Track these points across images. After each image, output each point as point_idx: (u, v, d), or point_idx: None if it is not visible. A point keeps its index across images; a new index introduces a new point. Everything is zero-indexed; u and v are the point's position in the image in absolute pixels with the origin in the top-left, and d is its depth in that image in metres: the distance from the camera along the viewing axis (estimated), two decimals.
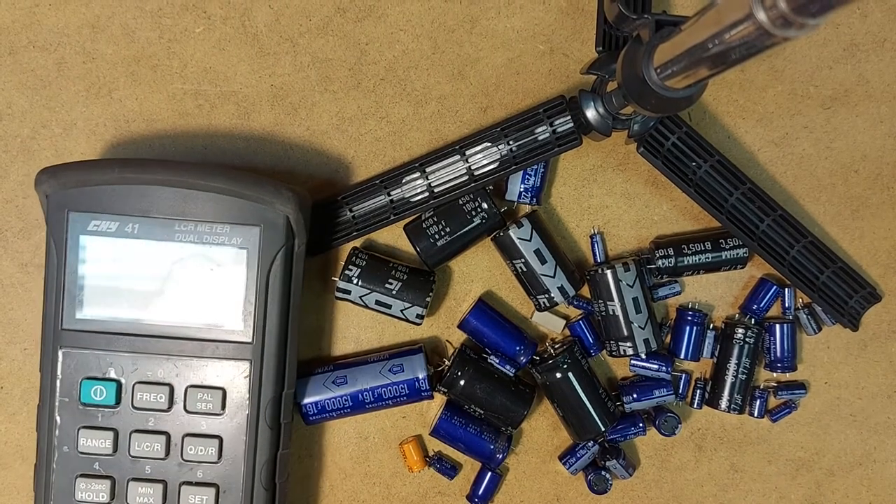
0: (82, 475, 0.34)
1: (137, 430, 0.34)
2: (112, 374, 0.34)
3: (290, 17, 0.39)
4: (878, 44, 0.40)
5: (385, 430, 0.40)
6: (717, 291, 0.41)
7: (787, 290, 0.40)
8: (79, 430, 0.34)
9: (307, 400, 0.38)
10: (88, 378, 0.34)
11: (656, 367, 0.39)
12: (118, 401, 0.34)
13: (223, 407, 0.34)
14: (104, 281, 0.34)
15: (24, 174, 0.39)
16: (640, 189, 0.40)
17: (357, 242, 0.40)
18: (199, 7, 0.39)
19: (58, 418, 0.34)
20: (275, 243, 0.34)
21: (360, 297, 0.38)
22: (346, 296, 0.38)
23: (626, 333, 0.38)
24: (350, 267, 0.37)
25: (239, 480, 0.34)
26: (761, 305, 0.40)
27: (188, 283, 0.34)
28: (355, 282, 0.37)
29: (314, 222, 0.38)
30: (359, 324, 0.40)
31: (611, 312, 0.38)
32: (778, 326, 0.40)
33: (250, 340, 0.34)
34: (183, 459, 0.34)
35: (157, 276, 0.34)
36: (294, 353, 0.35)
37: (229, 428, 0.34)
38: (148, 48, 0.39)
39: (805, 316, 0.40)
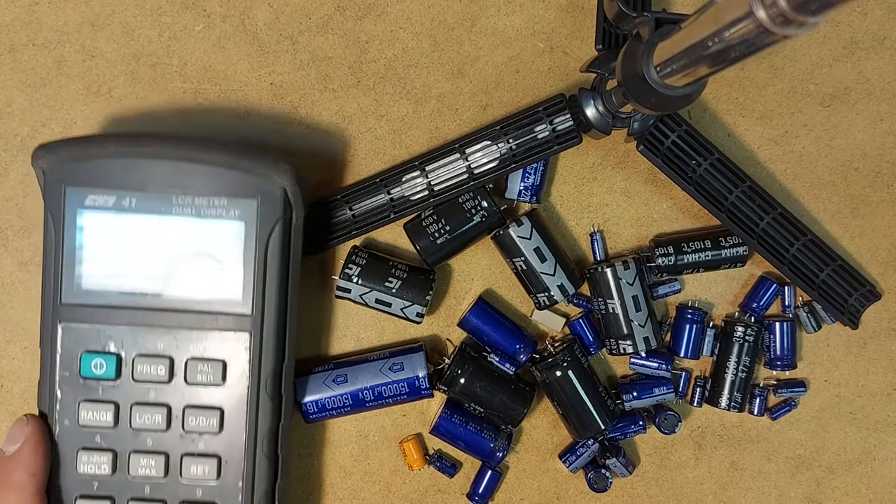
0: (84, 448, 0.34)
1: (138, 403, 0.34)
2: (112, 348, 0.34)
3: (289, 16, 0.39)
4: (878, 42, 0.40)
5: (385, 428, 0.40)
6: (716, 289, 0.41)
7: (786, 288, 0.40)
8: (79, 403, 0.34)
9: (307, 398, 0.38)
10: (88, 352, 0.33)
11: (656, 365, 0.39)
12: (118, 374, 0.34)
13: (224, 378, 0.34)
14: (102, 255, 0.33)
15: (23, 173, 0.39)
16: (639, 187, 0.40)
17: (357, 241, 0.40)
18: (199, 5, 0.39)
19: (58, 392, 0.34)
20: (272, 216, 0.33)
21: (360, 296, 0.38)
22: (346, 294, 0.38)
23: (625, 332, 0.38)
24: (350, 265, 0.37)
25: (241, 451, 0.34)
26: (761, 303, 0.40)
27: (186, 256, 0.34)
28: (355, 280, 0.37)
29: (314, 221, 0.38)
30: (359, 322, 0.40)
31: (611, 311, 0.38)
32: (777, 324, 0.40)
33: (250, 312, 0.34)
34: (184, 431, 0.34)
35: (155, 249, 0.34)
36: (294, 325, 0.35)
37: (230, 399, 0.34)
38: (147, 46, 0.39)
39: (805, 314, 0.40)
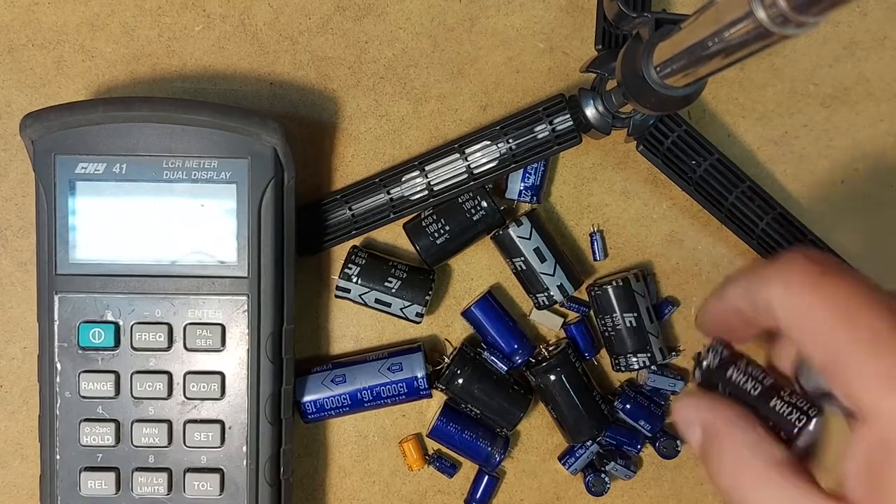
0: (86, 419, 0.34)
1: (138, 371, 0.34)
2: (109, 317, 0.34)
3: (289, 16, 0.39)
4: (878, 42, 0.40)
5: (384, 428, 0.40)
6: None
7: None
8: (80, 374, 0.34)
9: (306, 398, 0.38)
10: (86, 322, 0.33)
11: (671, 382, 0.39)
12: (117, 343, 0.34)
13: (223, 343, 0.34)
14: (95, 224, 0.33)
15: (23, 172, 0.39)
16: (639, 187, 0.40)
17: (357, 241, 0.40)
18: (199, 5, 0.39)
19: (58, 364, 0.34)
20: (264, 176, 0.33)
21: (360, 296, 0.38)
22: (345, 294, 0.38)
23: (643, 344, 0.37)
24: (349, 265, 0.37)
25: (244, 416, 0.34)
26: None
27: (180, 220, 0.34)
28: (355, 280, 0.37)
29: (313, 221, 0.38)
30: (358, 322, 0.40)
31: (628, 324, 0.37)
32: None
33: (246, 275, 0.34)
34: (186, 398, 0.34)
35: (148, 215, 0.34)
36: (291, 288, 0.35)
37: (231, 364, 0.34)
38: (147, 46, 0.39)
39: None
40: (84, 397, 0.34)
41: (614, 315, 0.38)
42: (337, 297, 0.38)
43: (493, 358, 0.38)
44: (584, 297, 0.40)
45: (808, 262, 0.22)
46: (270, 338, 0.34)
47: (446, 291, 0.40)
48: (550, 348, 0.40)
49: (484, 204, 0.38)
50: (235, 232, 0.34)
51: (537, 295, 0.38)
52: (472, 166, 0.37)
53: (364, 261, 0.38)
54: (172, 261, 0.34)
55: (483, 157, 0.37)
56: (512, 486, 0.41)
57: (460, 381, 0.38)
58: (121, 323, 0.34)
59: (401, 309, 0.38)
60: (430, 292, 0.37)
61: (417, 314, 0.38)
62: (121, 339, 0.34)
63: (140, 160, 0.33)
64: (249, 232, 0.34)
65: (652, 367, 0.39)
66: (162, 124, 0.33)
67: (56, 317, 0.34)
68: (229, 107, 0.34)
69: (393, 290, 0.37)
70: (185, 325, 0.34)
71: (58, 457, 0.34)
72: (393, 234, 0.40)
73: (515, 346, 0.39)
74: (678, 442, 0.40)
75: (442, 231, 0.38)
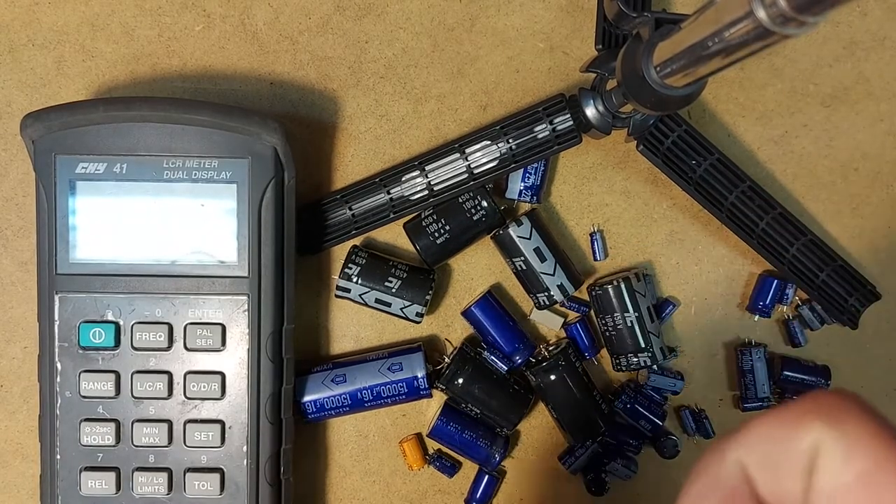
0: (86, 419, 0.34)
1: (139, 371, 0.34)
2: (110, 317, 0.34)
3: (289, 16, 0.39)
4: (878, 42, 0.40)
5: (385, 428, 0.40)
6: (717, 290, 0.41)
7: (789, 284, 0.40)
8: (80, 374, 0.34)
9: (306, 398, 0.38)
10: (86, 322, 0.34)
11: (672, 382, 0.39)
12: (117, 343, 0.34)
13: (223, 343, 0.34)
14: (96, 223, 0.34)
15: (23, 172, 0.39)
16: (639, 187, 0.40)
17: (357, 241, 0.40)
18: (199, 5, 0.39)
19: (58, 364, 0.34)
20: (264, 175, 0.33)
21: (360, 296, 0.38)
22: (345, 294, 0.38)
23: (644, 343, 0.37)
24: (350, 265, 0.37)
25: (244, 416, 0.34)
26: (766, 302, 0.40)
27: (180, 220, 0.34)
28: (355, 280, 0.37)
29: (313, 221, 0.38)
30: (358, 322, 0.40)
31: (628, 323, 0.37)
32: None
33: (246, 275, 0.34)
34: (186, 397, 0.34)
35: (149, 215, 0.34)
36: (291, 288, 0.35)
37: (231, 363, 0.34)
38: (147, 46, 0.39)
39: (807, 310, 0.40)
40: (84, 397, 0.34)
41: (614, 315, 0.38)
42: (337, 296, 0.38)
43: (493, 358, 0.39)
44: (585, 296, 0.40)
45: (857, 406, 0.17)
46: (270, 337, 0.34)
47: (446, 291, 0.40)
48: (550, 348, 0.40)
49: (484, 204, 0.38)
50: (235, 232, 0.34)
51: (537, 295, 0.38)
52: (472, 166, 0.37)
53: (364, 260, 0.38)
54: (173, 260, 0.34)
55: (483, 156, 0.37)
56: (512, 486, 0.41)
57: (460, 380, 0.38)
58: (121, 323, 0.34)
59: (401, 309, 0.38)
60: (430, 292, 0.37)
61: (417, 314, 0.38)
62: (121, 338, 0.34)
63: (140, 160, 0.33)
64: (249, 232, 0.34)
65: (652, 366, 0.39)
66: (162, 124, 0.33)
67: (56, 317, 0.34)
68: (229, 107, 0.34)
69: (393, 290, 0.37)
70: (186, 324, 0.34)
71: (58, 456, 0.34)
72: (393, 234, 0.40)
73: (515, 346, 0.39)
74: (678, 442, 0.40)
75: (442, 231, 0.38)
